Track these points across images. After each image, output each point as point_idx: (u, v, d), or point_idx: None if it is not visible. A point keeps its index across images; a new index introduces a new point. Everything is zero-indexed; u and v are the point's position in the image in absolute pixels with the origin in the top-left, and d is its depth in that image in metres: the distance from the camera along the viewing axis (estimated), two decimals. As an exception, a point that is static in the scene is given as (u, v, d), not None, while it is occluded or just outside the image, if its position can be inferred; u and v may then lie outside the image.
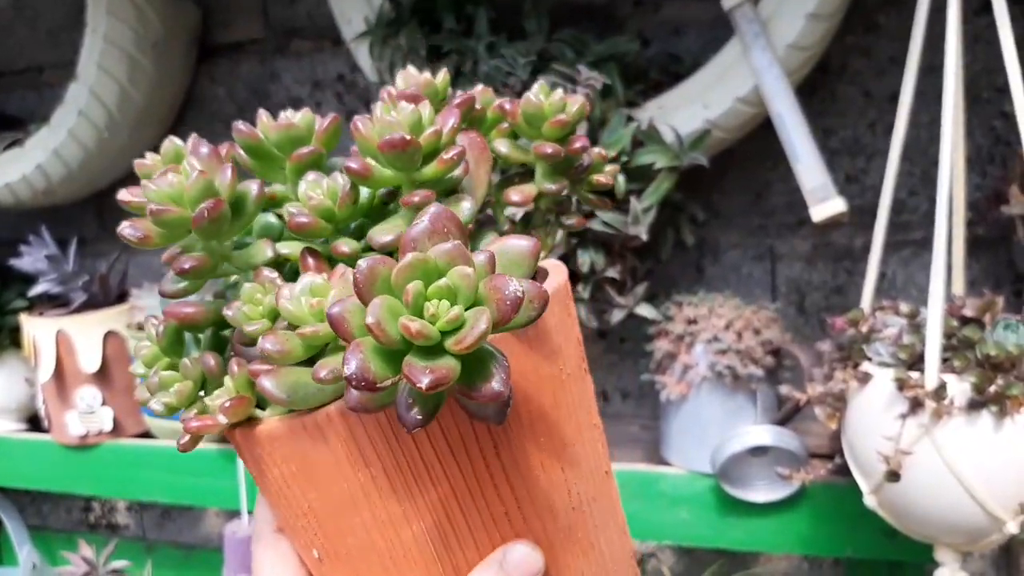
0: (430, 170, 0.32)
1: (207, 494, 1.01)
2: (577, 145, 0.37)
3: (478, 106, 0.37)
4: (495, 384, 0.25)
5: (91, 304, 1.05)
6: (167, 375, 0.32)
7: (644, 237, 0.78)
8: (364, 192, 0.33)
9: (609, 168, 0.39)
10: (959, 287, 0.70)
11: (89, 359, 1.02)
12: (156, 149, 0.34)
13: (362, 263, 0.25)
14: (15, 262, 1.03)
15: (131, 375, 0.38)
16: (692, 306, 0.81)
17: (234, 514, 1.03)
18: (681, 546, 1.00)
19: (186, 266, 0.31)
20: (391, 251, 0.32)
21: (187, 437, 0.31)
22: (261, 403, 0.32)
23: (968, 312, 0.62)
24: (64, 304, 1.07)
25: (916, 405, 0.58)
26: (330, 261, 0.33)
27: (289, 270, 0.34)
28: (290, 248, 0.33)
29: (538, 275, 0.34)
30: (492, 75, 0.82)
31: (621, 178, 0.77)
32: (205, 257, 0.32)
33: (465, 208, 0.32)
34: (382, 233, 0.32)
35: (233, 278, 0.34)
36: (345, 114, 1.07)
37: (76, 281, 1.04)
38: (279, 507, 0.33)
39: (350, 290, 0.26)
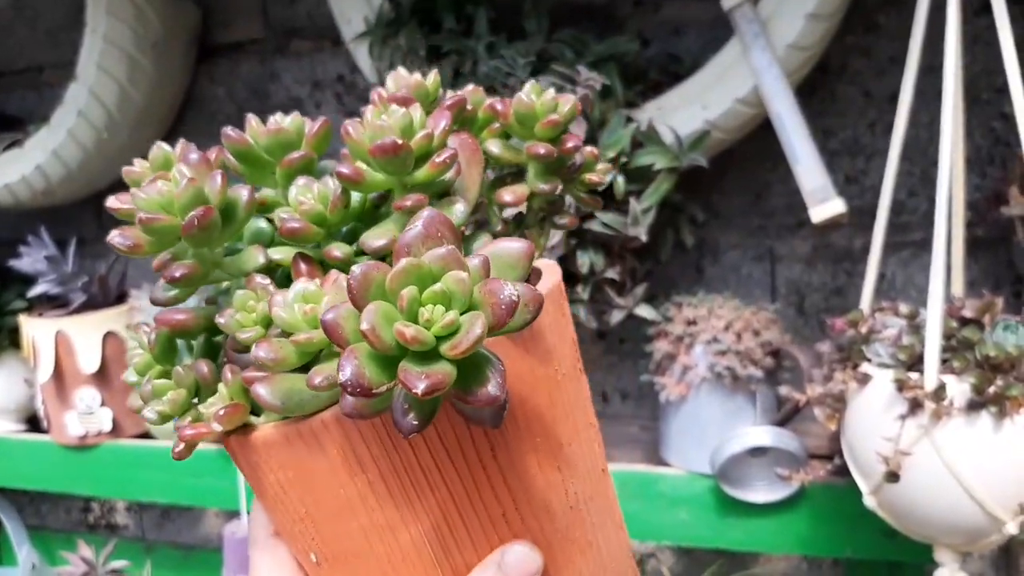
0: (422, 173, 0.32)
1: (206, 494, 1.01)
2: (569, 145, 0.37)
3: (469, 107, 0.36)
4: (491, 388, 0.25)
5: (90, 305, 1.04)
6: (160, 383, 0.32)
7: (644, 238, 0.78)
8: (355, 196, 0.33)
9: (601, 167, 0.39)
10: (958, 288, 0.70)
11: (88, 360, 1.02)
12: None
13: (356, 269, 0.25)
14: (14, 263, 1.03)
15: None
16: (691, 307, 0.81)
17: (233, 514, 1.03)
18: (680, 546, 1.00)
19: (177, 274, 0.31)
20: (384, 255, 0.32)
21: (182, 445, 0.31)
22: (255, 409, 0.31)
23: (967, 313, 0.62)
24: (63, 305, 1.07)
25: (915, 406, 0.58)
26: (322, 266, 0.32)
27: (281, 275, 0.33)
28: (282, 253, 0.33)
29: (531, 276, 0.34)
30: (492, 75, 0.82)
31: (620, 179, 0.77)
32: (196, 265, 0.31)
33: (458, 211, 0.32)
34: (375, 237, 0.31)
35: (225, 284, 0.34)
36: (345, 114, 1.07)
37: (75, 282, 1.04)
38: (276, 512, 0.33)
39: (344, 296, 0.26)
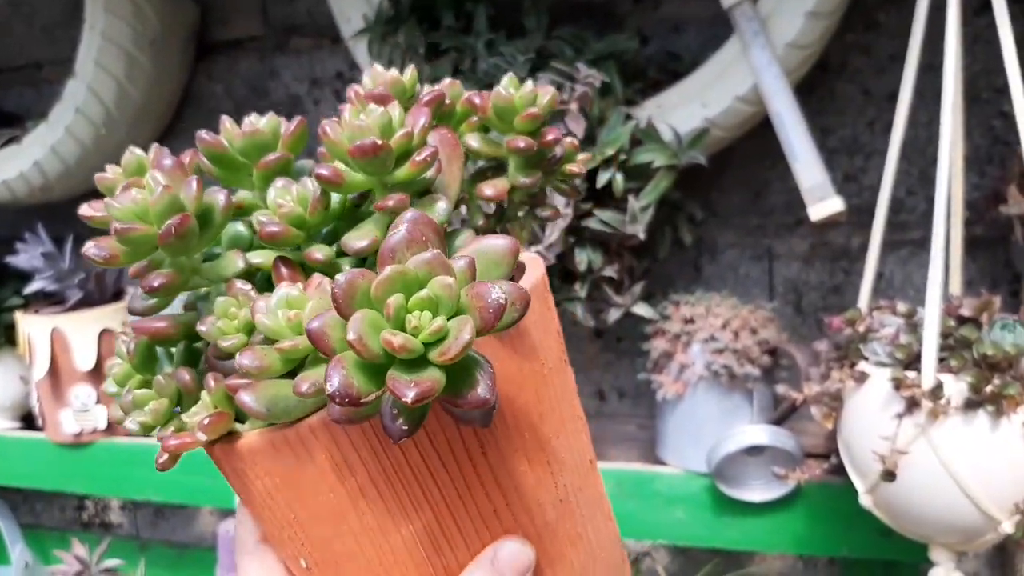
0: (403, 172, 0.31)
1: (201, 493, 1.01)
2: (549, 137, 0.36)
3: (447, 101, 0.36)
4: (481, 391, 0.25)
5: (86, 302, 1.04)
6: (141, 393, 0.32)
7: (642, 236, 0.78)
8: (335, 197, 0.33)
9: (581, 157, 0.39)
10: (956, 287, 0.70)
11: (84, 357, 1.02)
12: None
13: (340, 277, 0.24)
14: (11, 259, 1.03)
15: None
16: (689, 305, 0.81)
17: (228, 513, 1.03)
18: (676, 545, 1.00)
19: (155, 284, 0.30)
20: (366, 256, 0.31)
21: (165, 456, 0.31)
22: (239, 416, 0.31)
23: (965, 312, 0.62)
24: (59, 302, 1.06)
25: (912, 405, 0.58)
26: (303, 268, 0.32)
27: (261, 279, 0.33)
28: (262, 257, 0.32)
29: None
30: (491, 72, 0.82)
31: (619, 176, 0.77)
32: (174, 273, 0.31)
33: (440, 209, 0.32)
34: (356, 239, 0.31)
35: (203, 289, 0.33)
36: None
37: (72, 279, 1.03)
38: (263, 519, 0.32)
39: (328, 301, 0.25)
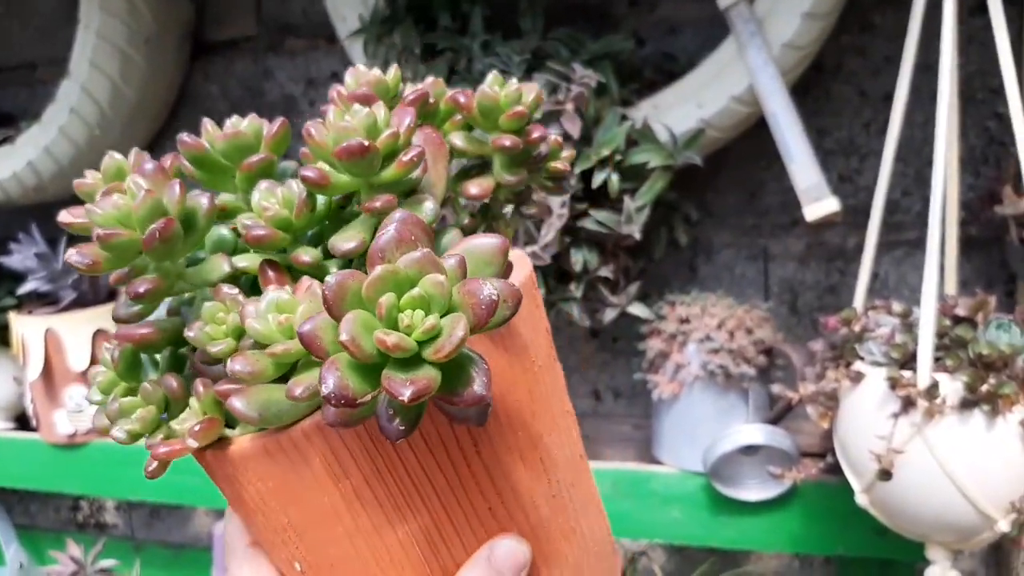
0: (389, 173, 0.31)
1: (196, 493, 1.00)
2: (535, 135, 0.36)
3: (431, 100, 0.36)
4: (476, 388, 0.25)
5: (80, 302, 1.04)
6: (127, 401, 0.31)
7: (637, 236, 0.78)
8: (320, 198, 0.32)
9: (565, 154, 0.39)
10: (952, 287, 0.70)
11: (78, 357, 1.01)
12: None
13: (330, 279, 0.24)
14: (4, 260, 1.03)
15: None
16: (685, 305, 0.81)
17: (223, 513, 1.03)
18: (672, 545, 1.00)
19: (140, 290, 0.30)
20: (353, 258, 0.31)
21: (155, 464, 0.30)
22: (229, 421, 0.31)
23: (961, 311, 0.62)
24: (53, 302, 1.06)
25: (908, 404, 0.58)
26: (290, 271, 0.32)
27: (246, 282, 0.32)
28: (248, 261, 0.32)
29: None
30: (487, 73, 0.82)
31: (615, 177, 0.77)
32: (158, 279, 0.30)
33: (428, 208, 0.31)
34: (344, 241, 0.31)
35: (187, 295, 0.33)
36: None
37: (65, 279, 1.03)
38: (255, 523, 0.32)
39: (318, 304, 0.25)
